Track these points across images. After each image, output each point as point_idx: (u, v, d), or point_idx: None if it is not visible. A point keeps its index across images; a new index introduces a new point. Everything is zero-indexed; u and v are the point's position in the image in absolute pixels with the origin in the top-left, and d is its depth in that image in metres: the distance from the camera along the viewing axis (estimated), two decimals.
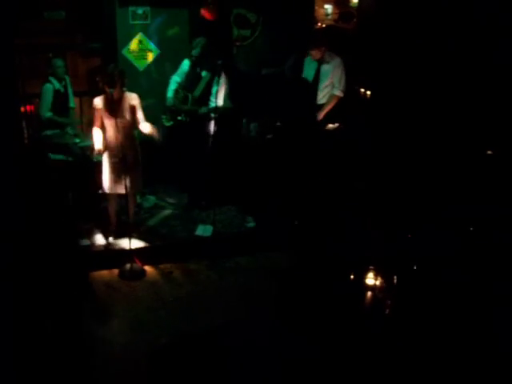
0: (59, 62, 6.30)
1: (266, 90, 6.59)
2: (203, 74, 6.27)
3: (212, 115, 6.15)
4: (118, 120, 5.33)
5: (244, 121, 6.63)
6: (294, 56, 6.55)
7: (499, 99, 5.79)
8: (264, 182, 6.34)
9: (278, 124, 6.29)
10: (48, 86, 6.25)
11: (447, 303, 4.83)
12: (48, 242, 5.34)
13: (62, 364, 4.15)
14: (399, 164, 6.56)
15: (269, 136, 6.23)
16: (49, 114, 6.26)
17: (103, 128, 5.49)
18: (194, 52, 6.22)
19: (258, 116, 6.56)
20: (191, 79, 6.33)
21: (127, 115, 5.43)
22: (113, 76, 5.29)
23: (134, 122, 5.50)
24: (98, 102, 5.41)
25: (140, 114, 5.49)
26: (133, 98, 5.46)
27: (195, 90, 6.28)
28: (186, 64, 6.39)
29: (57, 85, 6.32)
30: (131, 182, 5.50)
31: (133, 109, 5.45)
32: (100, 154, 5.50)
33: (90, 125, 5.70)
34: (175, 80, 6.42)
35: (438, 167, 6.24)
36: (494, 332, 4.46)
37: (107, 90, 5.28)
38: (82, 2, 6.87)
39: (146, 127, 5.49)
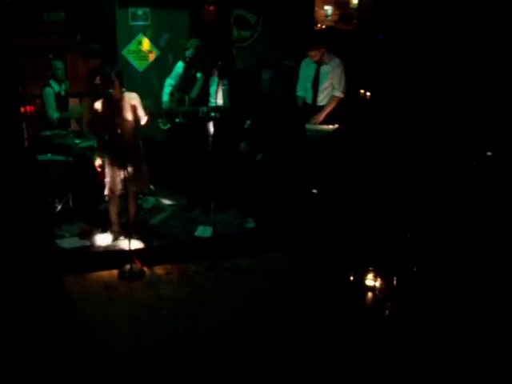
0: (59, 64, 6.32)
1: (257, 107, 6.57)
2: (198, 75, 6.25)
3: (213, 115, 6.13)
4: (120, 121, 5.33)
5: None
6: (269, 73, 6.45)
7: (499, 99, 5.79)
8: (263, 183, 6.34)
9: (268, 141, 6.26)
10: (48, 89, 6.30)
11: (447, 303, 4.82)
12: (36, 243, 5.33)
13: (61, 365, 4.14)
14: (399, 164, 6.55)
15: (258, 157, 6.21)
16: (56, 115, 6.31)
17: (105, 131, 5.48)
18: (188, 53, 6.19)
19: (247, 135, 6.57)
20: (186, 81, 6.30)
21: (128, 115, 5.43)
22: (110, 77, 5.28)
23: (136, 122, 5.50)
24: (99, 105, 5.40)
25: (141, 113, 5.50)
26: (132, 98, 5.45)
27: (191, 91, 6.26)
28: (179, 66, 6.36)
29: (56, 88, 6.33)
30: (136, 181, 5.50)
31: (134, 108, 5.45)
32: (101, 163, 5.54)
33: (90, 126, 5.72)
34: (169, 83, 6.39)
35: (438, 167, 6.23)
36: (494, 333, 4.45)
37: (106, 91, 5.28)
38: (81, 3, 6.88)
39: (144, 119, 5.50)
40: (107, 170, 5.54)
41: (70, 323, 4.63)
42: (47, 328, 4.40)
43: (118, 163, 5.47)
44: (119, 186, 5.53)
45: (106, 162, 5.54)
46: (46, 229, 5.63)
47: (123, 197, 5.65)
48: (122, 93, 5.39)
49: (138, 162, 5.57)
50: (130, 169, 5.42)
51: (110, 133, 5.44)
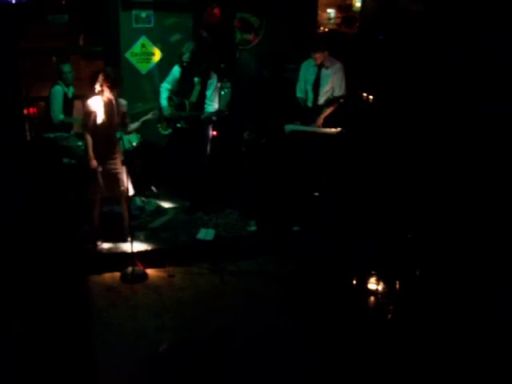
0: (67, 68, 6.25)
1: (259, 94, 6.57)
2: (195, 79, 6.22)
3: (214, 118, 6.13)
4: (112, 123, 5.34)
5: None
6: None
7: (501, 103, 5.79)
8: (265, 185, 6.36)
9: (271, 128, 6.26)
10: (57, 88, 6.22)
11: (448, 307, 4.83)
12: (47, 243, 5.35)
13: (62, 367, 4.15)
14: (402, 166, 6.56)
15: (262, 141, 6.19)
16: (61, 117, 6.24)
17: (94, 131, 5.43)
18: (185, 57, 6.14)
19: (251, 122, 6.57)
20: (184, 85, 6.26)
21: (116, 119, 5.43)
22: (115, 78, 5.28)
23: (120, 127, 5.51)
24: (93, 104, 5.34)
25: (127, 121, 5.56)
26: (123, 105, 5.48)
27: (191, 95, 6.24)
28: (176, 70, 6.31)
29: (64, 89, 6.30)
30: (124, 184, 5.48)
31: (122, 114, 5.45)
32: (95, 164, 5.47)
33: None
34: (166, 87, 6.35)
35: (440, 169, 6.24)
36: (495, 335, 4.46)
37: (107, 93, 5.26)
38: (85, 6, 6.88)
39: (130, 127, 5.60)
40: (92, 173, 5.49)
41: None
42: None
43: (106, 166, 5.48)
44: (107, 189, 5.53)
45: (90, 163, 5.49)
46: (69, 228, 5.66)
47: (117, 201, 5.68)
48: (118, 96, 5.37)
49: (121, 166, 5.53)
50: (116, 171, 5.43)
51: (99, 135, 5.42)
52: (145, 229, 6.09)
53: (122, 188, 5.52)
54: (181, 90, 6.31)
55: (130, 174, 5.59)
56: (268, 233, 6.14)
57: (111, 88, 5.24)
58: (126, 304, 5.02)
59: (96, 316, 4.81)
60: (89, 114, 5.38)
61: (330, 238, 5.95)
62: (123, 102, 5.51)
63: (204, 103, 6.20)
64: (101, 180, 5.48)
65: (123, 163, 5.49)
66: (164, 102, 6.35)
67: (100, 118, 5.34)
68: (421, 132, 6.55)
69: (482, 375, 4.12)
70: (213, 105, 6.16)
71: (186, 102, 6.24)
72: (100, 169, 5.45)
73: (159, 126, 6.42)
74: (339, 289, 5.28)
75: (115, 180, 5.51)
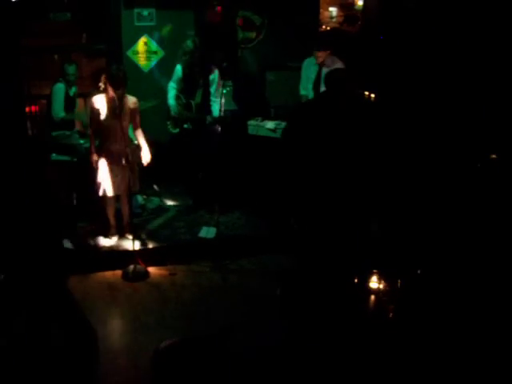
0: (72, 70, 6.24)
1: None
2: (199, 78, 6.20)
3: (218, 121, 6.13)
4: (119, 122, 5.30)
5: None
6: None
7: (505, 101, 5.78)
8: (267, 184, 6.35)
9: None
10: (59, 85, 6.20)
11: (450, 307, 4.82)
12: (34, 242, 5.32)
13: (61, 366, 4.15)
14: (404, 165, 6.55)
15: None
16: (62, 115, 6.21)
17: (99, 129, 5.44)
18: (189, 43, 6.10)
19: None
20: (188, 84, 6.26)
21: (126, 117, 5.41)
22: (119, 77, 5.26)
23: (133, 124, 5.52)
24: (98, 101, 5.34)
25: (138, 119, 5.52)
26: (133, 102, 5.44)
27: (195, 96, 6.25)
28: (178, 70, 6.30)
29: (66, 87, 6.29)
30: (130, 182, 5.48)
31: (132, 112, 5.43)
32: (96, 162, 5.47)
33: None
34: (172, 86, 6.35)
35: (442, 169, 6.23)
36: (496, 336, 4.44)
37: (111, 91, 5.25)
38: (87, 4, 6.89)
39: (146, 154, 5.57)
40: (102, 172, 5.49)
41: (76, 322, 4.64)
42: (51, 327, 4.42)
43: (113, 164, 5.47)
44: (115, 187, 5.53)
45: (102, 163, 5.50)
46: (53, 228, 5.65)
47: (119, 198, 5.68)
48: (124, 94, 5.35)
49: (132, 163, 5.51)
50: (122, 170, 5.41)
51: (106, 133, 5.42)
52: (146, 227, 6.10)
53: (132, 184, 5.51)
54: (185, 89, 6.30)
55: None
56: (270, 231, 6.13)
57: (115, 86, 5.22)
58: (127, 302, 5.02)
59: (97, 314, 4.80)
60: (93, 111, 5.38)
61: (332, 237, 5.94)
62: (133, 99, 5.44)
63: (209, 100, 6.20)
64: (112, 178, 5.47)
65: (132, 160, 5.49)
66: (172, 100, 6.35)
67: (104, 115, 5.33)
68: (424, 131, 6.55)
69: (483, 374, 4.11)
70: (217, 101, 6.15)
71: (192, 103, 6.24)
72: (110, 167, 5.45)
73: (168, 123, 6.42)
74: (341, 287, 5.26)
75: (124, 178, 5.47)
